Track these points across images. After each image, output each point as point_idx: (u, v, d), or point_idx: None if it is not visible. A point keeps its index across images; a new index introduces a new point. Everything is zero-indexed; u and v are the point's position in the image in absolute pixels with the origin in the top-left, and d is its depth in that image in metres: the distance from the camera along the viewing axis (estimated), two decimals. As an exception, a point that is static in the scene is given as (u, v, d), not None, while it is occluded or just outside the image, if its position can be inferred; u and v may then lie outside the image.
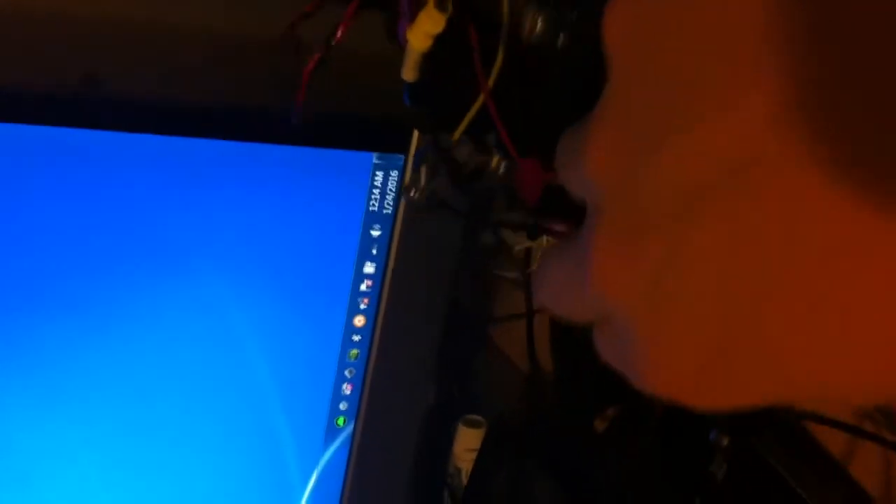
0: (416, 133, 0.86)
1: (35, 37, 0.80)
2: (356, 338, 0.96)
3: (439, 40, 0.57)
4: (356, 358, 0.97)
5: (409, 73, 0.60)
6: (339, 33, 0.62)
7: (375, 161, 0.88)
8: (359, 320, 0.96)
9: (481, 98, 0.56)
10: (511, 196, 0.57)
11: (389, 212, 0.91)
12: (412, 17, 0.56)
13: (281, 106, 0.83)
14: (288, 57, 0.80)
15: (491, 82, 0.54)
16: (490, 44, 0.54)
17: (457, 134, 0.58)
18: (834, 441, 0.82)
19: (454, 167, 0.57)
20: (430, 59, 0.58)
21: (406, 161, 0.88)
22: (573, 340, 1.04)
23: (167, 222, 0.84)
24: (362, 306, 0.95)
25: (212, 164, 0.84)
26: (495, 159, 0.57)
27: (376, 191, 0.90)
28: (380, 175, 0.89)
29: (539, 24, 0.54)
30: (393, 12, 0.64)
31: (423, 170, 0.59)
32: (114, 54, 0.82)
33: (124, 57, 0.83)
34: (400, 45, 0.62)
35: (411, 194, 0.60)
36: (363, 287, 0.94)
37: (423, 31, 0.56)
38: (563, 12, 0.55)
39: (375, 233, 0.92)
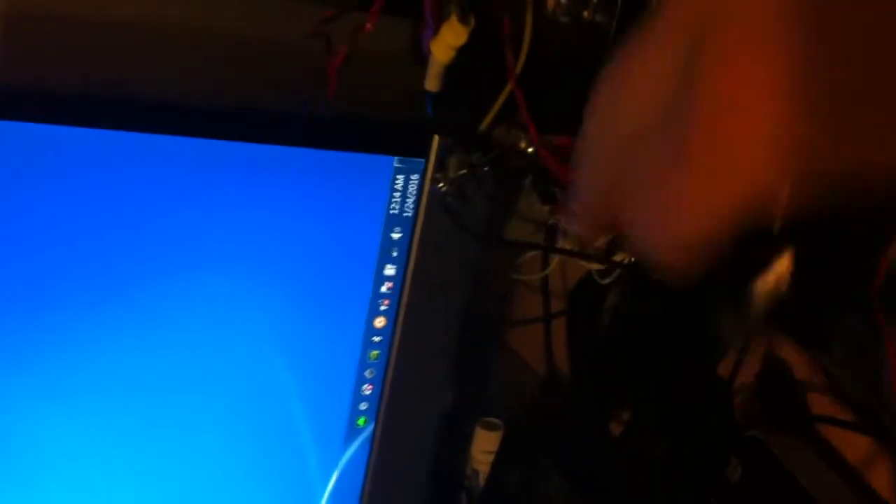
0: (436, 137, 0.88)
1: (58, 38, 0.83)
2: (376, 339, 0.98)
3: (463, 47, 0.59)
4: (376, 359, 0.99)
5: (432, 84, 0.62)
6: (367, 26, 0.64)
7: (396, 164, 0.90)
8: (379, 321, 0.97)
9: (507, 89, 0.58)
10: (538, 179, 0.59)
11: (410, 215, 0.93)
12: (436, 30, 0.58)
13: (304, 108, 0.85)
14: (310, 60, 0.82)
15: (519, 68, 0.56)
16: (516, 28, 0.56)
17: (485, 123, 0.59)
18: (848, 445, 0.83)
19: (485, 150, 0.59)
20: (452, 68, 0.60)
21: (427, 165, 0.90)
22: (590, 344, 1.06)
23: (191, 223, 0.86)
24: (383, 308, 0.97)
25: (235, 167, 0.85)
26: (524, 140, 0.59)
27: (397, 194, 0.91)
28: (401, 178, 0.91)
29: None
30: (416, 20, 0.65)
31: (451, 161, 0.61)
32: (140, 56, 0.84)
33: (150, 59, 0.85)
34: (424, 56, 0.64)
35: (439, 186, 0.61)
36: (384, 289, 0.96)
37: (446, 43, 0.57)
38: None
39: (396, 235, 0.93)
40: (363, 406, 1.00)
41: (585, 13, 0.56)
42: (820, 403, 0.83)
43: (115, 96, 0.81)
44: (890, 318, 0.67)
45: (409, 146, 0.89)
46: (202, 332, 0.91)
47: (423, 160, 0.90)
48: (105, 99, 0.81)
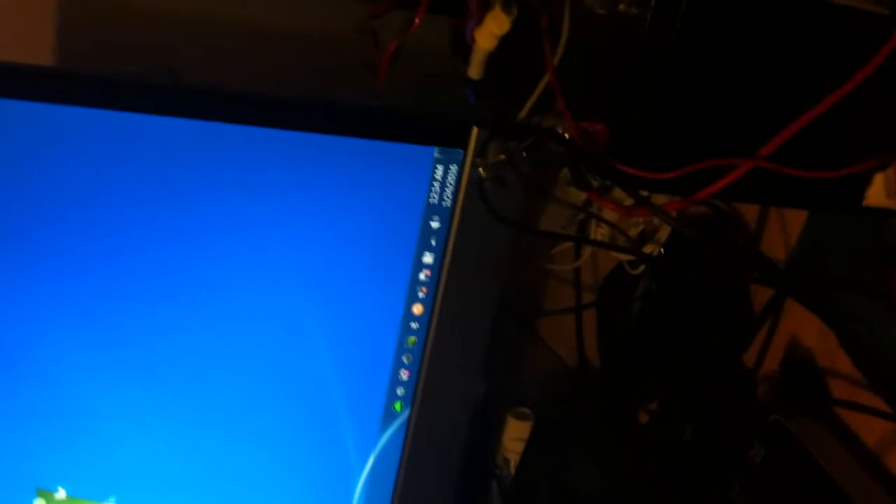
0: (475, 128, 0.91)
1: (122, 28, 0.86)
2: (414, 325, 1.01)
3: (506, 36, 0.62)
4: (414, 345, 1.02)
5: (475, 71, 0.64)
6: (416, 21, 0.68)
7: (436, 155, 0.93)
8: (417, 308, 1.00)
9: (546, 78, 0.61)
10: (574, 166, 0.62)
11: (448, 204, 0.95)
12: (480, 19, 0.61)
13: (349, 99, 0.88)
14: (356, 53, 0.85)
15: (557, 59, 0.59)
16: (554, 19, 0.59)
17: (524, 112, 0.62)
18: (869, 429, 0.85)
19: (523, 137, 0.62)
20: (495, 55, 0.63)
21: (466, 156, 0.93)
22: (620, 335, 1.08)
23: (237, 209, 0.89)
24: (420, 295, 0.99)
25: (279, 154, 0.89)
26: (560, 128, 0.61)
27: (436, 184, 0.94)
28: (440, 168, 0.93)
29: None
30: (459, 16, 0.68)
31: (490, 148, 0.64)
32: (194, 48, 0.88)
33: (203, 50, 0.89)
34: (467, 46, 0.67)
35: (478, 171, 0.64)
36: (422, 276, 0.99)
37: (490, 31, 0.60)
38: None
39: (435, 224, 0.96)
40: (400, 391, 1.03)
41: (621, 5, 0.59)
42: (841, 388, 0.86)
43: (165, 83, 0.85)
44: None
45: (448, 137, 0.92)
46: (244, 317, 0.94)
47: (462, 151, 0.93)
48: (155, 85, 0.85)
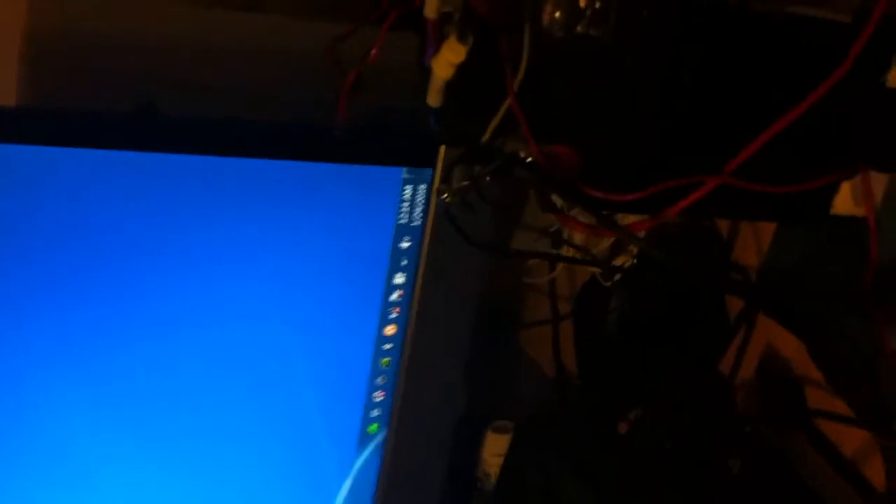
0: (443, 147, 0.90)
1: (95, 61, 0.85)
2: (387, 346, 1.00)
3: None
4: (388, 366, 1.01)
5: (433, 99, 0.64)
6: (372, 52, 0.67)
7: (405, 175, 0.93)
8: (390, 329, 1.00)
9: (507, 102, 0.60)
10: (539, 188, 0.62)
11: (418, 224, 0.95)
12: (436, 48, 0.60)
13: (316, 125, 0.88)
14: (322, 77, 0.84)
15: (517, 83, 0.59)
16: (514, 44, 0.59)
17: (486, 135, 0.62)
18: (845, 438, 0.85)
19: (487, 161, 0.61)
20: (453, 84, 0.62)
21: (434, 175, 0.92)
22: (596, 346, 1.08)
23: (207, 238, 0.88)
24: (393, 316, 0.99)
25: (247, 182, 0.88)
26: (524, 151, 0.61)
27: (405, 204, 0.94)
28: (409, 189, 0.93)
29: (557, 15, 0.58)
30: (423, 35, 0.67)
31: (455, 173, 0.64)
32: (162, 75, 0.87)
33: (176, 78, 0.88)
34: (427, 71, 0.66)
35: (443, 197, 0.64)
36: (394, 297, 0.98)
37: (446, 60, 0.60)
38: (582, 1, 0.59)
39: (405, 244, 0.96)
40: (375, 413, 1.03)
41: (579, 27, 0.59)
42: (817, 397, 0.85)
43: (124, 117, 0.84)
44: (885, 313, 0.69)
45: (416, 157, 0.92)
46: (219, 344, 0.93)
47: (430, 170, 0.93)
48: (118, 119, 0.84)
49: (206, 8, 0.92)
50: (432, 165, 0.92)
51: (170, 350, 0.92)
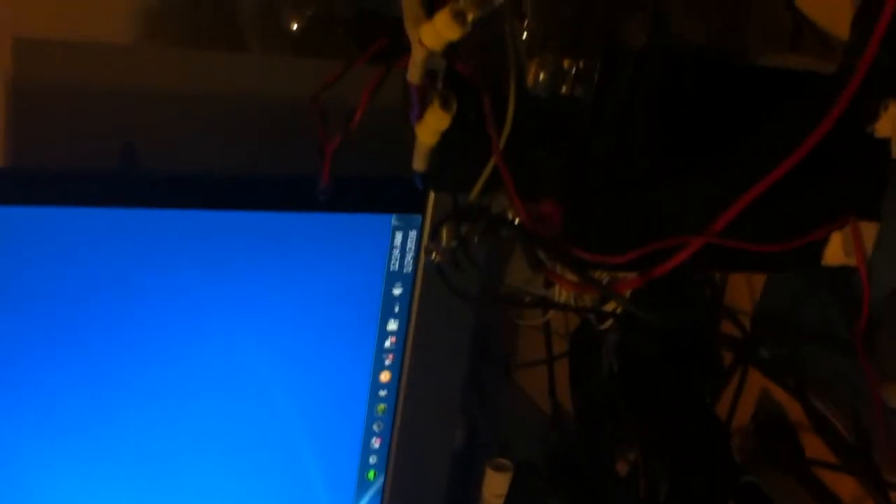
0: (432, 194, 0.90)
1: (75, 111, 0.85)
2: (382, 393, 1.00)
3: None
4: (384, 412, 1.01)
5: (419, 164, 0.63)
6: (356, 118, 0.67)
7: (394, 222, 0.92)
8: (384, 376, 0.99)
9: (493, 161, 0.60)
10: (526, 247, 0.61)
11: (409, 270, 0.95)
12: (420, 114, 0.60)
13: (304, 173, 0.87)
14: (309, 126, 0.84)
15: (502, 144, 0.58)
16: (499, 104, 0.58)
17: (473, 195, 0.61)
18: (841, 485, 0.84)
19: (475, 220, 0.61)
20: (438, 148, 0.62)
21: (424, 220, 0.92)
22: (591, 386, 1.07)
23: (202, 289, 0.89)
24: (387, 362, 0.99)
25: (236, 233, 0.88)
26: (511, 211, 0.61)
27: (396, 251, 0.94)
28: (399, 235, 0.93)
29: (542, 76, 0.58)
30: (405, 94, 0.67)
31: (444, 230, 0.63)
32: (138, 128, 0.87)
33: (157, 127, 0.88)
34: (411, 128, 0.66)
35: (432, 257, 0.64)
36: (387, 344, 0.98)
37: (430, 128, 0.59)
38: (566, 62, 0.59)
39: (397, 291, 0.95)
40: (372, 459, 1.02)
41: (564, 88, 0.59)
42: (814, 445, 0.85)
43: (99, 173, 0.84)
44: (874, 361, 0.68)
45: (405, 203, 0.92)
46: (214, 395, 0.93)
47: (419, 216, 0.93)
48: (96, 176, 0.84)
49: (186, 49, 0.92)
50: (422, 211, 0.92)
51: (164, 403, 0.92)
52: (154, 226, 0.84)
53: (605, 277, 0.68)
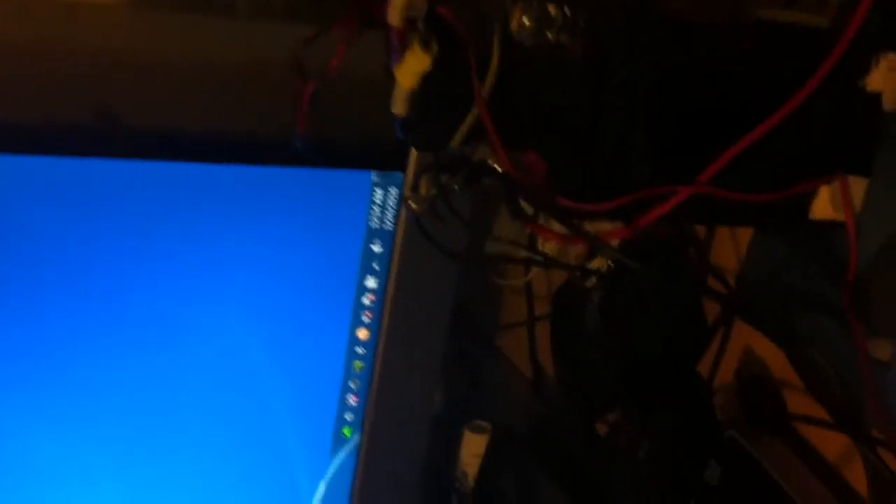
0: (413, 150, 0.88)
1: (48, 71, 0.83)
2: (360, 350, 0.99)
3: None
4: (361, 370, 1.00)
5: (398, 108, 0.62)
6: (331, 64, 0.65)
7: (374, 179, 0.91)
8: (362, 333, 0.98)
9: (475, 111, 0.58)
10: (509, 197, 0.60)
11: (390, 228, 0.93)
12: (400, 56, 0.58)
13: (284, 130, 0.86)
14: (289, 82, 0.82)
15: (486, 92, 0.57)
16: (482, 51, 0.57)
17: (455, 142, 0.60)
18: (827, 443, 0.84)
19: (456, 170, 0.60)
20: (418, 92, 0.60)
21: (405, 178, 0.91)
22: (573, 347, 1.06)
23: (178, 242, 0.87)
24: (366, 320, 0.97)
25: (215, 187, 0.86)
26: (493, 159, 0.59)
27: (376, 208, 0.92)
28: (379, 192, 0.91)
29: (526, 21, 0.56)
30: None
31: (422, 183, 0.62)
32: (123, 84, 0.85)
33: (133, 86, 0.86)
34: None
35: (411, 207, 0.62)
36: (366, 301, 0.96)
37: (410, 69, 0.58)
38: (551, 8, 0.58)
39: (377, 248, 0.94)
40: (349, 417, 1.01)
41: (550, 35, 0.57)
42: (797, 402, 0.84)
43: (94, 125, 0.82)
44: (863, 319, 0.67)
45: (385, 160, 0.90)
46: (187, 346, 0.92)
47: (400, 173, 0.91)
48: (84, 127, 0.82)
49: (174, 14, 0.90)
50: (402, 169, 0.90)
51: (139, 355, 0.90)
52: (126, 178, 0.83)
53: (590, 231, 0.67)
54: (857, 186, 0.66)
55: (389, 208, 0.92)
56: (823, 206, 0.67)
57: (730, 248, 0.89)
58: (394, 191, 0.91)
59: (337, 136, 0.87)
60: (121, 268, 0.86)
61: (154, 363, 0.91)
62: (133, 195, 0.83)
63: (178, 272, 0.88)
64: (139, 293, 0.88)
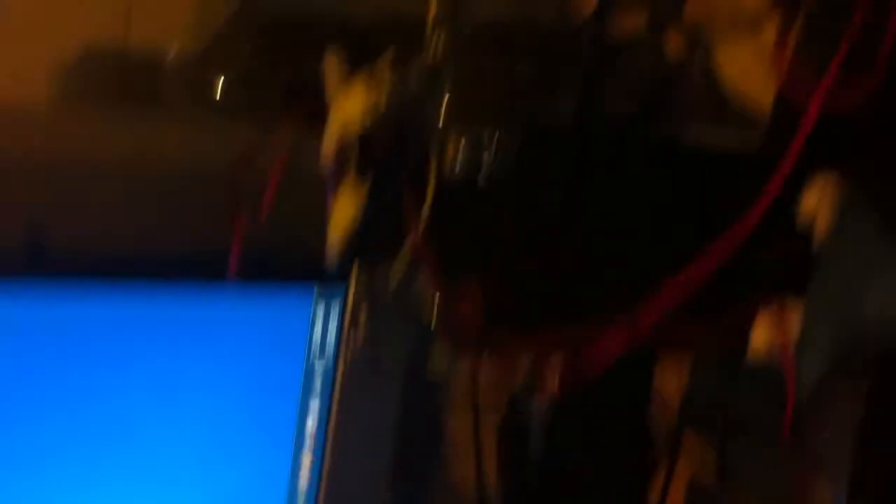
0: (356, 261, 0.87)
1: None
2: (304, 474, 0.96)
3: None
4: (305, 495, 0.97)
5: (335, 240, 0.62)
6: (263, 214, 0.65)
7: (317, 291, 0.89)
8: (306, 459, 0.96)
9: (411, 245, 0.58)
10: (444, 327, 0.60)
11: (332, 341, 0.91)
12: (336, 190, 0.58)
13: (220, 242, 0.84)
14: (227, 197, 0.81)
15: (422, 226, 0.57)
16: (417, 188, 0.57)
17: (394, 276, 0.60)
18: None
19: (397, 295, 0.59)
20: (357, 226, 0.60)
21: (348, 290, 0.89)
22: (520, 472, 1.05)
23: (119, 365, 0.85)
24: (307, 443, 0.95)
25: (155, 306, 0.85)
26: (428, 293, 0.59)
27: (319, 321, 0.90)
28: (322, 305, 0.90)
29: (459, 157, 0.56)
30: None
31: (362, 316, 0.62)
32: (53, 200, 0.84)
33: (64, 203, 0.85)
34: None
35: (350, 342, 0.62)
36: (308, 424, 0.94)
37: (346, 201, 0.58)
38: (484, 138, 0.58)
39: (318, 366, 0.92)
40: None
41: (481, 170, 0.58)
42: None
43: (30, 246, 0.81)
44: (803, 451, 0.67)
45: (328, 273, 0.89)
46: (129, 473, 0.89)
47: (344, 285, 0.89)
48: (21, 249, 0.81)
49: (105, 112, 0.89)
50: (346, 280, 0.89)
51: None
52: (61, 296, 0.81)
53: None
54: (795, 315, 0.66)
55: (332, 322, 0.90)
56: (760, 345, 0.66)
57: (672, 377, 0.88)
58: (336, 303, 0.90)
59: (277, 250, 0.86)
60: (55, 397, 0.84)
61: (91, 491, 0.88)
62: (62, 313, 0.82)
63: (111, 400, 0.86)
64: (76, 423, 0.85)
